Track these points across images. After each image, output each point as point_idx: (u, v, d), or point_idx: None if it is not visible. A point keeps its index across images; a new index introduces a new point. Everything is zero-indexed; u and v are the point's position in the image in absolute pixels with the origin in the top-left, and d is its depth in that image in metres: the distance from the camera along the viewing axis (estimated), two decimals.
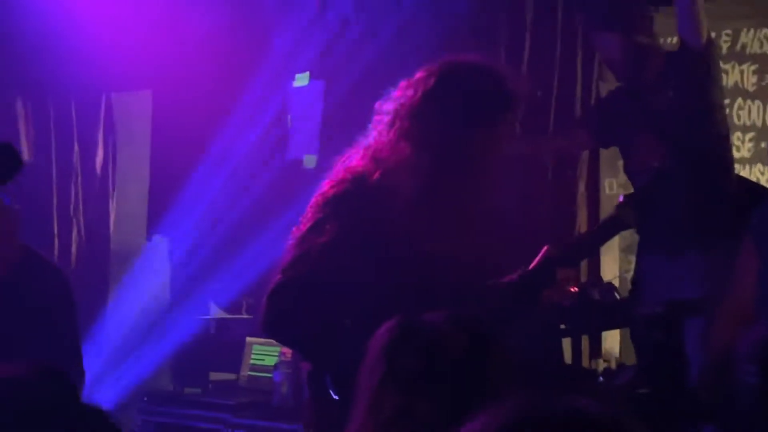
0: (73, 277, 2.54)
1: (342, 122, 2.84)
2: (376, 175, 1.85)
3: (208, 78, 2.93)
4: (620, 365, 3.08)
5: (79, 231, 2.91)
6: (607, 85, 3.00)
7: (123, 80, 2.98)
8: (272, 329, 1.92)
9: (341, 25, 3.03)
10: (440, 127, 1.85)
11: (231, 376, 2.90)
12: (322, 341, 1.86)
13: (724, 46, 3.15)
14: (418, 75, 1.83)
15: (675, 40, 2.82)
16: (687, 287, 2.65)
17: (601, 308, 2.87)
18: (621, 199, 2.40)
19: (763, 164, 3.20)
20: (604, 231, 2.47)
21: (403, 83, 1.85)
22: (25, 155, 2.86)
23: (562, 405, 0.58)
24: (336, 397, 1.85)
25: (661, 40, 2.87)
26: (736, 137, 3.02)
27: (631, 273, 2.95)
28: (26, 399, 0.83)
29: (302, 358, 2.06)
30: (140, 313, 2.86)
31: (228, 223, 2.94)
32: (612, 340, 3.13)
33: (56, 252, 2.80)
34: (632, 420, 0.61)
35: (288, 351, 2.83)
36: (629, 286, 2.90)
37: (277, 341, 2.35)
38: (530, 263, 1.99)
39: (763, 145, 3.25)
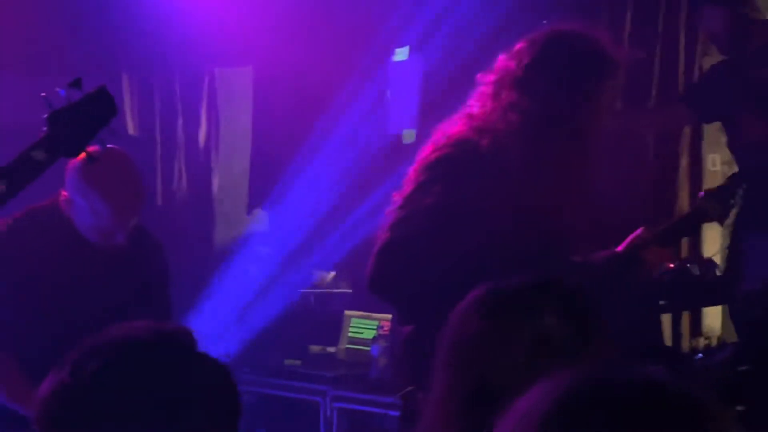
0: (178, 251, 2.65)
1: (441, 97, 2.91)
2: (484, 143, 1.91)
3: (308, 53, 3.03)
4: (721, 343, 3.10)
5: (182, 205, 3.02)
6: (711, 59, 3.04)
7: (225, 56, 3.13)
8: (379, 286, 1.99)
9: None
10: (545, 95, 1.90)
11: (330, 349, 3.00)
12: (425, 301, 1.89)
13: None
14: (520, 45, 1.89)
15: None
16: None
17: (700, 284, 2.90)
18: (701, 194, 2.49)
19: None
20: (687, 223, 2.57)
21: (503, 55, 1.90)
22: (130, 130, 2.98)
23: (634, 374, 0.55)
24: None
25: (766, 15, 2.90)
26: None
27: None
28: (150, 360, 0.85)
29: (403, 319, 2.10)
30: (242, 286, 2.96)
31: (328, 198, 3.03)
32: (713, 317, 3.15)
33: (167, 227, 2.94)
34: (715, 402, 0.57)
35: (386, 324, 2.91)
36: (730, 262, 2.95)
37: (382, 299, 2.32)
38: (623, 241, 2.06)
39: None
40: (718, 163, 3.20)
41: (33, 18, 2.94)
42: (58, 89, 1.71)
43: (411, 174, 1.96)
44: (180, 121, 3.02)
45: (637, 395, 0.53)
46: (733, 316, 2.97)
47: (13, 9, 2.87)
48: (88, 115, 1.81)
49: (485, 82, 1.94)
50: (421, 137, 3.16)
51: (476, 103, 1.95)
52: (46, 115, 1.71)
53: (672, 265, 2.63)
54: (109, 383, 0.84)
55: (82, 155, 1.85)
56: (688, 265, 2.79)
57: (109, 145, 1.92)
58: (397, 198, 1.94)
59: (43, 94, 1.71)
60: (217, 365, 0.88)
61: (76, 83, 1.68)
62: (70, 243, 2.24)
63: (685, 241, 2.99)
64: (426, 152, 1.97)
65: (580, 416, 0.54)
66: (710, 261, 2.93)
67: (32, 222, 2.22)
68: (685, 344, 3.02)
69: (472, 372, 1.13)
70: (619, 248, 2.10)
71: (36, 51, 2.93)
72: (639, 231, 2.09)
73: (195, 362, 0.88)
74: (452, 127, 1.97)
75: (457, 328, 1.18)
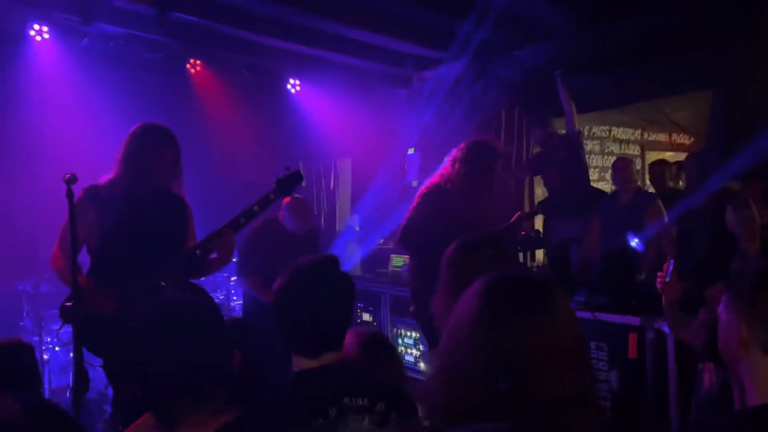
0: (327, 232, 6.64)
1: (426, 167, 6.80)
2: (444, 184, 3.63)
3: (371, 149, 6.89)
4: (541, 266, 6.70)
5: (324, 213, 7.10)
6: (536, 148, 6.23)
7: (340, 152, 7.14)
8: (402, 243, 3.80)
9: (428, 126, 6.96)
10: (472, 165, 3.58)
11: (384, 270, 6.77)
12: (420, 250, 3.66)
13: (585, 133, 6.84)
14: (461, 145, 3.68)
15: (564, 130, 5.54)
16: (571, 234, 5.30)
17: (535, 239, 5.38)
18: (537, 203, 5.53)
19: (603, 182, 6.79)
20: (529, 215, 4.50)
21: (454, 150, 3.74)
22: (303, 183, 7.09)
23: (517, 273, 1.10)
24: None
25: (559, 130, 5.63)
26: (591, 171, 6.74)
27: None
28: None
29: (412, 257, 3.96)
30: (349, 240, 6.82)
31: (379, 211, 6.91)
32: (538, 255, 6.73)
33: (317, 222, 6.98)
34: (560, 288, 1.12)
35: (407, 259, 6.66)
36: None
37: (404, 249, 4.15)
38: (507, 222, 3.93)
39: (604, 175, 6.80)
40: (539, 192, 6.69)
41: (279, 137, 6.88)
42: (285, 167, 3.13)
43: (415, 198, 3.72)
44: (323, 182, 7.10)
45: (524, 280, 1.12)
46: (546, 253, 5.81)
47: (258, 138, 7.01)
48: (293, 180, 3.17)
49: (447, 159, 3.69)
50: (421, 184, 6.92)
51: (444, 167, 3.68)
52: (276, 179, 3.11)
53: (524, 233, 4.88)
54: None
55: (288, 198, 3.69)
56: (532, 233, 5.58)
57: (296, 195, 3.75)
58: (409, 207, 3.71)
59: (286, 167, 3.11)
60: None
61: (288, 168, 3.13)
62: (282, 233, 4.21)
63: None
64: (421, 189, 3.75)
65: (497, 290, 1.11)
66: (537, 231, 5.54)
67: (268, 222, 4.17)
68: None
69: (456, 276, 1.81)
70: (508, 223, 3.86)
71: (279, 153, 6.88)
72: (515, 218, 3.91)
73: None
74: (432, 178, 3.72)
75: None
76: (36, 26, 4.82)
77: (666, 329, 3.23)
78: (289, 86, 6.46)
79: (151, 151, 2.94)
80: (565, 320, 1.13)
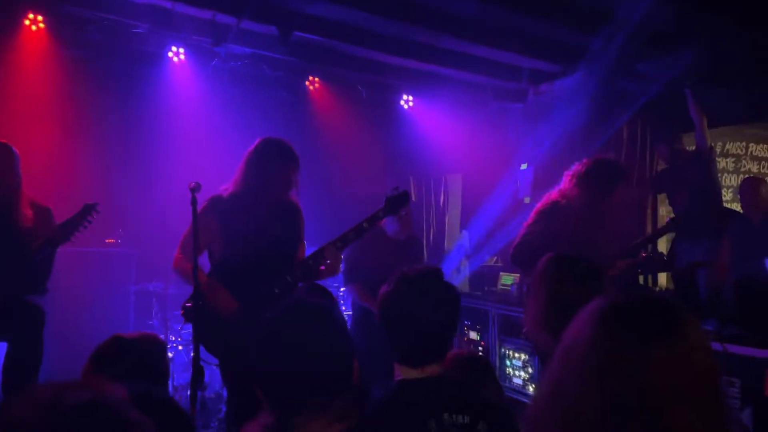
0: (434, 247, 6.66)
1: (540, 183, 6.61)
2: (563, 202, 3.48)
3: (483, 166, 6.84)
4: (666, 289, 6.18)
5: (433, 229, 7.10)
6: (661, 165, 5.74)
7: (451, 168, 7.12)
8: (514, 260, 3.64)
9: (542, 142, 6.78)
10: (593, 184, 3.44)
11: (492, 289, 6.64)
12: (532, 266, 3.10)
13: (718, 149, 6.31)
14: (581, 163, 3.57)
15: (694, 147, 5.12)
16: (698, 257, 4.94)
17: (658, 262, 4.75)
18: (668, 220, 4.52)
19: (737, 203, 6.15)
20: (660, 233, 4.73)
21: (574, 166, 3.59)
22: (413, 198, 7.15)
23: (647, 295, 1.00)
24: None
25: (687, 147, 5.27)
26: (725, 191, 6.19)
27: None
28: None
29: (524, 274, 4.04)
30: (459, 258, 6.76)
31: (490, 228, 6.79)
32: (662, 278, 6.22)
33: (426, 238, 7.01)
34: (693, 317, 0.99)
35: (517, 278, 6.50)
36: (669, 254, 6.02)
37: (516, 266, 3.87)
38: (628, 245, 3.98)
39: (732, 195, 6.21)
40: (665, 213, 6.20)
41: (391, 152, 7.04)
42: (394, 187, 3.24)
43: (531, 215, 3.56)
44: (432, 198, 7.12)
45: (649, 303, 0.99)
46: (673, 277, 5.48)
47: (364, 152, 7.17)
48: (401, 199, 3.25)
49: (566, 175, 3.56)
50: (533, 201, 6.65)
51: (563, 184, 3.55)
52: (386, 197, 3.19)
53: (645, 255, 4.41)
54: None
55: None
56: (652, 254, 5.45)
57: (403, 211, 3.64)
58: (525, 225, 3.57)
59: (395, 186, 3.22)
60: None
61: (397, 188, 3.24)
62: (384, 240, 4.30)
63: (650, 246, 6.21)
64: (538, 206, 3.58)
65: (617, 314, 0.99)
66: (661, 253, 5.61)
67: (374, 229, 3.97)
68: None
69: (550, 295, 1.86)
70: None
71: (390, 168, 7.00)
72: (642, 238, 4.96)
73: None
74: (550, 195, 3.58)
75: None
76: (174, 48, 5.25)
77: None
78: (402, 102, 6.55)
79: (270, 164, 3.09)
80: (698, 350, 1.00)
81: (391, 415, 1.49)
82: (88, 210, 3.12)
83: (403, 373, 1.64)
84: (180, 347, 4.99)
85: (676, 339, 1.00)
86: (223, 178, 3.23)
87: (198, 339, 2.61)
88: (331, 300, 2.33)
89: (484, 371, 1.97)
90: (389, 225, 4.27)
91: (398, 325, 1.63)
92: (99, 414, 0.78)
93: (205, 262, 3.09)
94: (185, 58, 5.28)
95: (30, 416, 0.78)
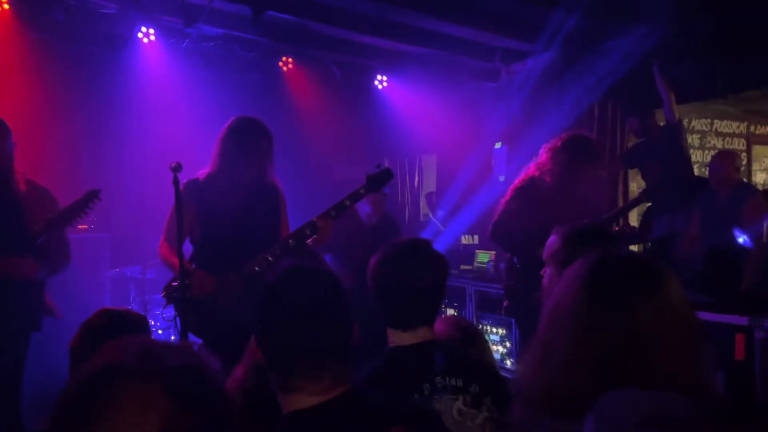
0: (410, 223, 6.70)
1: (514, 162, 6.69)
2: (538, 175, 3.57)
3: (459, 145, 6.86)
4: None
5: (408, 210, 7.14)
6: (632, 140, 5.97)
7: (425, 148, 7.16)
8: (494, 237, 3.73)
9: (516, 121, 6.85)
10: (570, 159, 3.50)
11: (468, 266, 6.71)
12: (511, 245, 3.67)
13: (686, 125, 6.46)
14: (557, 139, 3.63)
15: (662, 122, 5.35)
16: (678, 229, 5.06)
17: (631, 235, 5.47)
18: (639, 191, 4.97)
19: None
20: (632, 205, 4.95)
21: (551, 142, 3.65)
22: None
23: (628, 254, 1.09)
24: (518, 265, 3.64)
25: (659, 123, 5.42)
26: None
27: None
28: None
29: (509, 254, 3.79)
30: (432, 232, 6.81)
31: (464, 203, 6.78)
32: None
33: (401, 217, 7.04)
34: (671, 271, 1.03)
35: (493, 255, 6.59)
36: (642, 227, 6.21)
37: (494, 243, 4.04)
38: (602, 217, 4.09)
39: (704, 171, 6.36)
40: (635, 187, 6.34)
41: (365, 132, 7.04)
42: (376, 165, 3.28)
43: (508, 192, 3.63)
44: (407, 178, 7.14)
45: (631, 260, 1.08)
46: (645, 249, 5.25)
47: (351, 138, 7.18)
48: (384, 177, 3.22)
49: (543, 152, 3.62)
50: (508, 179, 6.82)
51: (539, 161, 3.60)
52: (366, 175, 3.14)
53: (617, 228, 4.48)
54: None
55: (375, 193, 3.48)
56: (624, 227, 5.72)
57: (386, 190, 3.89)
58: (502, 202, 3.62)
59: (377, 164, 3.18)
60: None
61: (379, 166, 3.19)
62: (359, 221, 4.57)
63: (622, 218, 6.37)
64: (516, 182, 3.65)
65: (603, 270, 1.05)
66: (633, 227, 5.39)
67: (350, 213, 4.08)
68: None
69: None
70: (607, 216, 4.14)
71: (365, 149, 7.01)
72: (619, 207, 5.23)
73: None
74: (527, 171, 3.63)
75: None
76: (143, 29, 5.14)
77: None
78: (376, 82, 6.53)
79: (245, 143, 3.06)
80: (677, 300, 1.04)
81: (387, 382, 1.52)
82: (90, 196, 3.04)
83: (395, 338, 1.68)
84: (160, 331, 4.97)
85: (658, 291, 1.05)
86: (196, 160, 3.21)
87: (185, 321, 2.60)
88: (324, 264, 2.32)
89: (474, 335, 2.02)
90: (362, 205, 4.31)
91: (389, 287, 1.67)
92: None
93: (187, 246, 3.07)
94: (155, 39, 5.18)
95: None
